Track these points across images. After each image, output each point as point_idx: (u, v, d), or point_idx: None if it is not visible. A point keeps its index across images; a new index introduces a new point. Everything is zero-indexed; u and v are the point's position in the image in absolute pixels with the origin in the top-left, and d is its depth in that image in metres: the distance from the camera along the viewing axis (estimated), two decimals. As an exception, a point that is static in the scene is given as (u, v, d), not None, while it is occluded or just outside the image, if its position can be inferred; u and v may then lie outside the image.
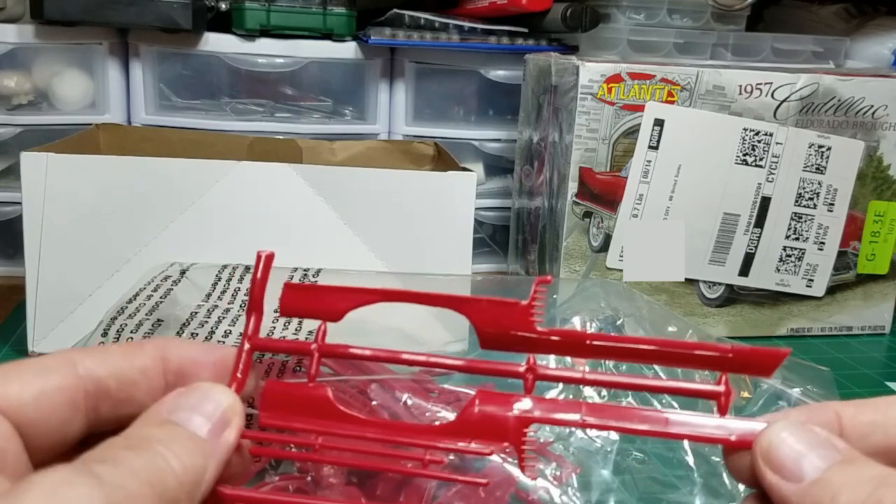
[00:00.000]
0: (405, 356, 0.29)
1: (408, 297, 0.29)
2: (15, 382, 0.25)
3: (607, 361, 0.43)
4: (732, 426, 0.26)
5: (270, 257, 0.29)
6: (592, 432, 0.46)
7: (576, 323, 0.50)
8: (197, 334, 0.49)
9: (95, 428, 0.27)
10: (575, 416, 0.27)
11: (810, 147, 0.68)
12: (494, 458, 0.42)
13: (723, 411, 0.27)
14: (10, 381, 0.25)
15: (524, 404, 0.28)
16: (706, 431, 0.26)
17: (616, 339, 0.28)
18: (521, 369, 0.28)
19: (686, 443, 0.46)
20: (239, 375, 0.28)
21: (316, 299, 0.29)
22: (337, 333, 0.41)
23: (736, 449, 0.26)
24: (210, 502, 0.26)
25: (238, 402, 0.27)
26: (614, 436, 0.46)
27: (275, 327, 0.49)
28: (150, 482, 0.22)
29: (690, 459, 0.45)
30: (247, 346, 0.29)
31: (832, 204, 0.70)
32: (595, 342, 0.27)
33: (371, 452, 0.29)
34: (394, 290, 0.29)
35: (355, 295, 0.29)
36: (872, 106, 0.69)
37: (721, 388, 0.27)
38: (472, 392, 0.45)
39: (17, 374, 0.25)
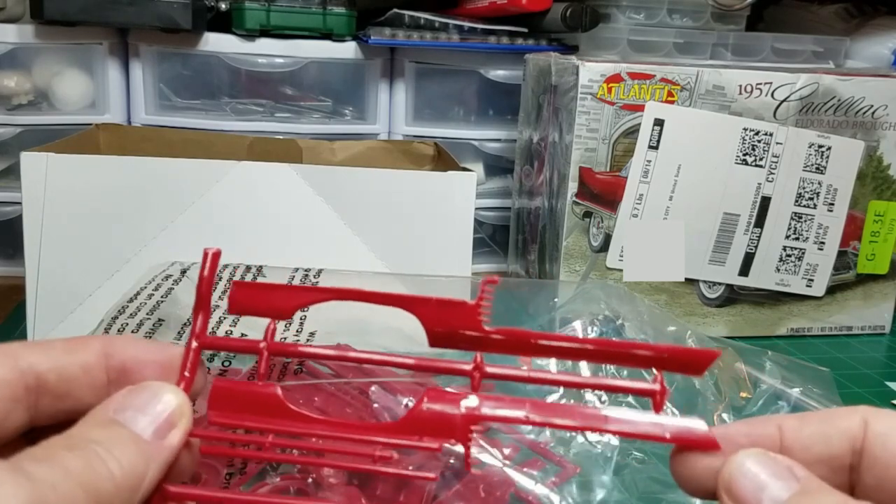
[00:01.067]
0: (353, 354, 0.30)
1: (358, 295, 0.29)
2: None
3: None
4: (668, 424, 0.27)
5: (217, 255, 0.29)
6: (593, 437, 0.46)
7: (577, 326, 0.50)
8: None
9: (36, 422, 0.27)
10: (520, 413, 0.28)
11: (810, 147, 0.68)
12: (493, 460, 0.42)
13: (657, 408, 0.28)
14: None
15: (471, 402, 0.28)
16: (642, 429, 0.27)
17: (559, 339, 0.28)
18: (469, 367, 0.29)
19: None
20: (187, 374, 0.28)
21: (265, 297, 0.29)
22: (338, 333, 0.41)
23: (678, 451, 0.27)
24: (156, 500, 0.26)
25: (187, 403, 0.27)
26: (615, 441, 0.46)
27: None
28: (83, 484, 0.22)
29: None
30: (194, 344, 0.29)
31: (832, 204, 0.70)
32: (540, 341, 0.28)
33: (323, 450, 0.29)
34: (344, 290, 0.29)
35: (305, 293, 0.29)
36: (872, 106, 0.69)
37: (656, 387, 0.28)
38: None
39: None
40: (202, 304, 0.29)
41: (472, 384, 0.29)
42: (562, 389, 0.46)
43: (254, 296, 0.29)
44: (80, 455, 0.23)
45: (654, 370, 0.28)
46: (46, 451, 0.23)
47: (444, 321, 0.28)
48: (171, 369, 0.28)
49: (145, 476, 0.25)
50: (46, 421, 0.27)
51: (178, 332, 0.48)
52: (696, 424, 0.27)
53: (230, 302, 0.29)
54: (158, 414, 0.26)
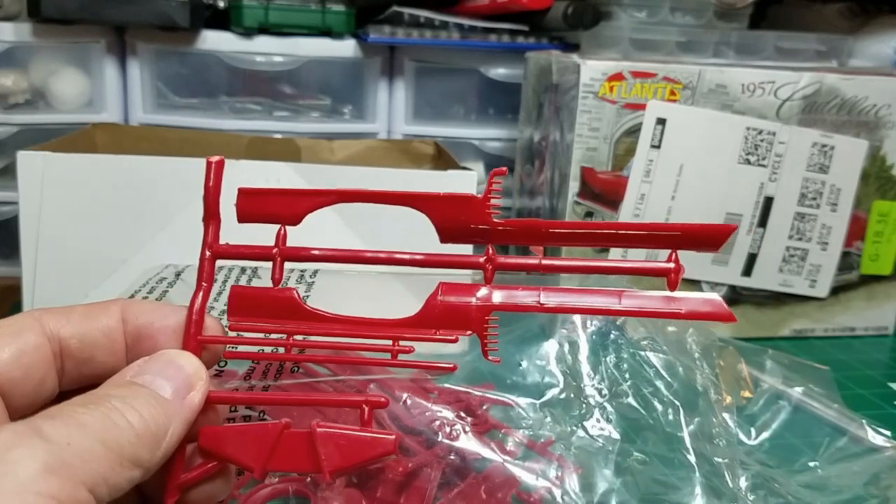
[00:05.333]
0: (367, 255, 0.30)
1: (362, 196, 0.30)
2: None
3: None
4: (682, 299, 0.27)
5: (220, 163, 0.30)
6: (594, 431, 0.45)
7: (577, 321, 0.50)
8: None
9: (62, 388, 0.28)
10: (533, 300, 0.28)
11: (813, 146, 0.68)
12: (496, 458, 0.41)
13: (672, 286, 0.28)
14: None
15: (485, 293, 0.29)
16: (656, 305, 0.27)
17: (571, 226, 0.29)
18: (481, 260, 0.29)
19: (687, 443, 0.45)
20: (204, 284, 0.29)
21: (272, 204, 0.30)
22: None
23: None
24: (178, 458, 0.27)
25: (202, 368, 0.27)
26: (615, 435, 0.45)
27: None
28: (102, 438, 0.22)
29: (692, 459, 0.45)
30: (208, 253, 0.30)
31: (835, 204, 0.69)
32: (552, 230, 0.28)
33: (342, 347, 0.29)
34: (349, 191, 0.30)
35: (312, 197, 0.30)
36: (876, 105, 0.68)
37: (671, 265, 0.28)
38: (471, 391, 0.45)
39: None
40: (211, 214, 0.30)
41: (485, 276, 0.29)
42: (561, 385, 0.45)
43: (260, 203, 0.30)
44: (96, 409, 0.23)
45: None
46: (61, 409, 0.23)
47: (453, 216, 0.29)
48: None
49: (167, 429, 0.25)
50: (71, 386, 0.28)
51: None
52: (712, 298, 0.27)
53: (238, 211, 0.30)
54: (175, 377, 0.26)
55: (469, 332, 0.28)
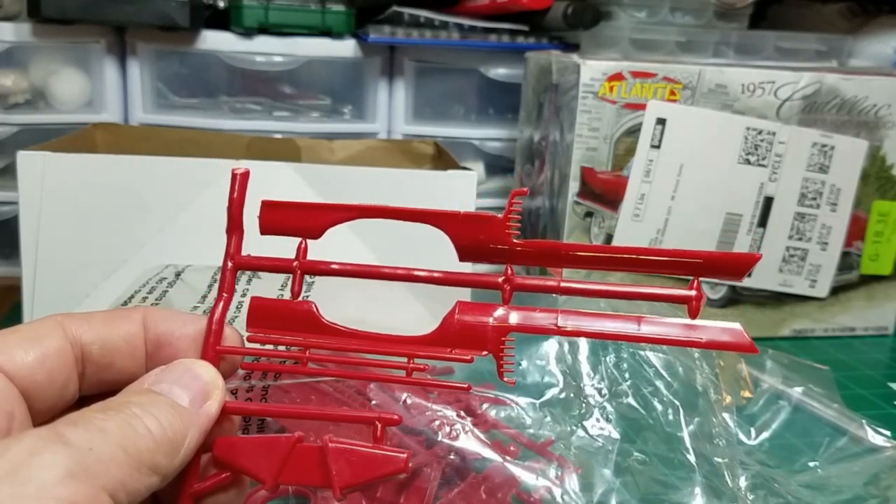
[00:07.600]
0: (386, 270, 0.30)
1: (383, 213, 0.29)
2: (17, 348, 0.26)
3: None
4: (702, 328, 0.27)
5: (245, 175, 0.29)
6: (594, 431, 0.45)
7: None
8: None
9: (83, 392, 0.28)
10: (550, 322, 0.28)
11: (813, 146, 0.68)
12: (496, 458, 0.41)
13: (693, 314, 0.27)
14: (11, 346, 0.26)
15: (502, 314, 0.28)
16: (676, 333, 0.27)
17: (590, 248, 0.28)
18: (499, 280, 0.29)
19: (687, 443, 0.45)
20: (225, 295, 0.29)
21: (295, 217, 0.30)
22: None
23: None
24: (193, 467, 0.27)
25: (219, 378, 0.28)
26: (615, 435, 0.45)
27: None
28: (122, 444, 0.23)
29: (692, 459, 0.45)
30: (229, 264, 0.30)
31: (835, 204, 0.69)
32: (571, 252, 0.28)
33: (357, 363, 0.29)
34: (370, 207, 0.29)
35: (334, 212, 0.30)
36: (876, 105, 0.68)
37: (692, 293, 0.27)
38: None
39: (15, 340, 0.26)
40: (235, 225, 0.30)
41: (503, 297, 0.29)
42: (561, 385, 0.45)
43: (283, 216, 0.30)
44: (116, 416, 0.24)
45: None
46: (83, 415, 0.23)
47: (472, 235, 0.29)
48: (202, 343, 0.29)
49: (185, 436, 0.25)
50: (90, 391, 0.28)
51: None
52: (733, 327, 0.27)
53: (261, 223, 0.30)
54: (192, 385, 0.27)
55: (485, 353, 0.28)
